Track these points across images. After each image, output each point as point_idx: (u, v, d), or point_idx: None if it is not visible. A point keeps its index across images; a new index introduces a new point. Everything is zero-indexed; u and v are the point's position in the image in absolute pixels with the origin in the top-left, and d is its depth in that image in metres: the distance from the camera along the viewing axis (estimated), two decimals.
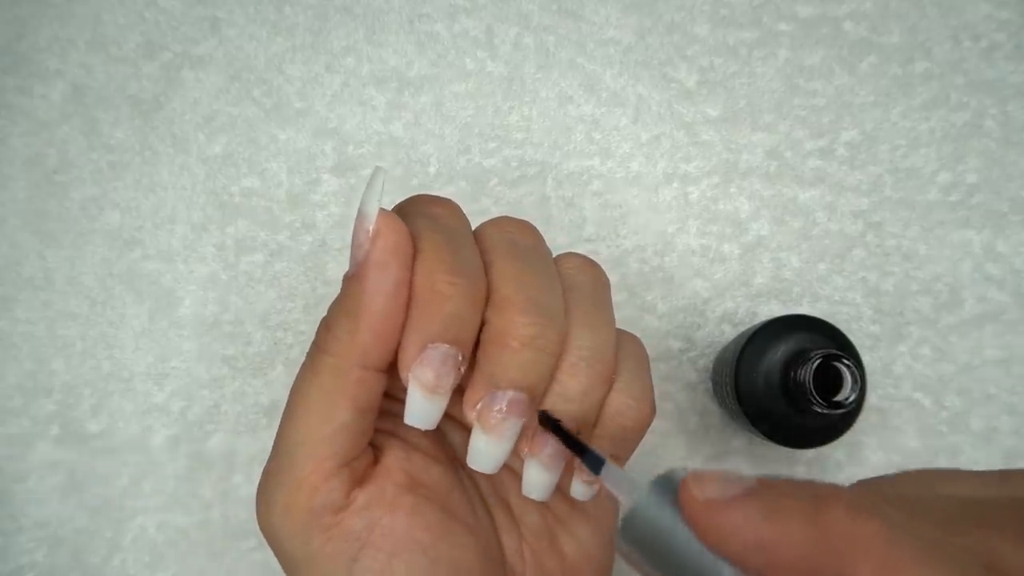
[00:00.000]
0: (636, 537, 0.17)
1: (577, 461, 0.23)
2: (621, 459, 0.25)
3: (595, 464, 0.20)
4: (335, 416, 0.22)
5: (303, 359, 0.23)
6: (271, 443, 0.39)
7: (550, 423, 0.22)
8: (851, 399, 0.30)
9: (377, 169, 0.22)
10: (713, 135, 0.41)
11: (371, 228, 0.21)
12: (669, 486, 0.17)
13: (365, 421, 0.23)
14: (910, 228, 0.40)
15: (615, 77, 0.41)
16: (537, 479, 0.23)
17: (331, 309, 0.23)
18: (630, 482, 0.19)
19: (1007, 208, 0.40)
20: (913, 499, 0.16)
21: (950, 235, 0.40)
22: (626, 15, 0.42)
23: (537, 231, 0.25)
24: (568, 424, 0.22)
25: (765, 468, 0.38)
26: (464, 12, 0.42)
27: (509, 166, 0.41)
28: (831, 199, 0.40)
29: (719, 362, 0.38)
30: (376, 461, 0.24)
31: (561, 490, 0.25)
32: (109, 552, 0.38)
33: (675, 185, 0.40)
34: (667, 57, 0.41)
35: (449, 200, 0.25)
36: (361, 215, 0.22)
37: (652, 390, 0.25)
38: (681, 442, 0.38)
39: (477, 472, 0.26)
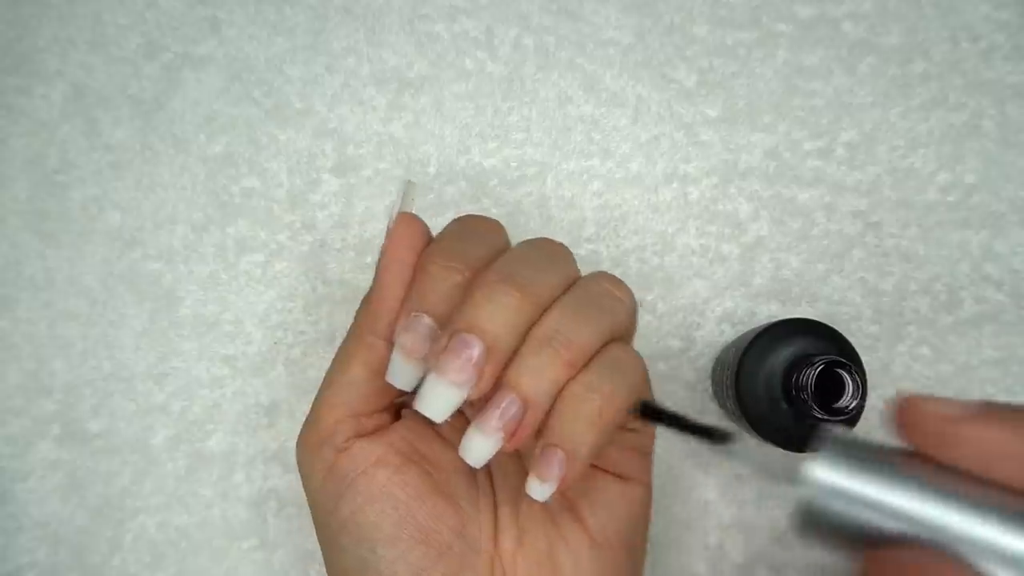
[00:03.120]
0: (824, 512, 0.16)
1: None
2: (573, 456, 0.24)
3: (724, 439, 0.19)
4: (349, 372, 0.26)
5: (304, 359, 0.26)
6: (271, 443, 0.39)
7: (652, 412, 0.21)
8: (852, 407, 0.30)
9: (408, 183, 0.27)
10: (712, 135, 0.41)
11: (392, 219, 0.26)
12: (838, 448, 0.16)
13: (376, 384, 0.26)
14: (909, 228, 0.40)
15: (615, 77, 0.42)
16: (472, 444, 0.24)
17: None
18: (774, 453, 0.18)
19: (1006, 208, 0.40)
20: None
21: (949, 235, 0.40)
22: (626, 15, 0.42)
23: (564, 247, 0.27)
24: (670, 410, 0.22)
25: None
26: (464, 12, 0.42)
27: (509, 166, 0.41)
28: (830, 199, 0.40)
29: (719, 363, 0.38)
30: (389, 426, 0.27)
31: (574, 512, 0.27)
32: (109, 552, 0.38)
33: (675, 185, 0.41)
34: (667, 58, 0.42)
35: (491, 219, 0.28)
36: (390, 219, 0.26)
37: (625, 399, 0.24)
38: (680, 441, 0.38)
39: (499, 474, 0.28)
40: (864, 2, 0.41)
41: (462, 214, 0.28)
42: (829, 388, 0.31)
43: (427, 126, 0.41)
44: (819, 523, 0.16)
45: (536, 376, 0.23)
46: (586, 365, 0.24)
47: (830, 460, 0.16)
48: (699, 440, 0.20)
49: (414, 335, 0.24)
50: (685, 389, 0.39)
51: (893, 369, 0.39)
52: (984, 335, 0.39)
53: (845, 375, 0.30)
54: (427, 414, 0.23)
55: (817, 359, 0.30)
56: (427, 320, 0.24)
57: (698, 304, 0.40)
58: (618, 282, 0.26)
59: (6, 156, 0.42)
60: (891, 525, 0.15)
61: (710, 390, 0.39)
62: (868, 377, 0.32)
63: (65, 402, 0.40)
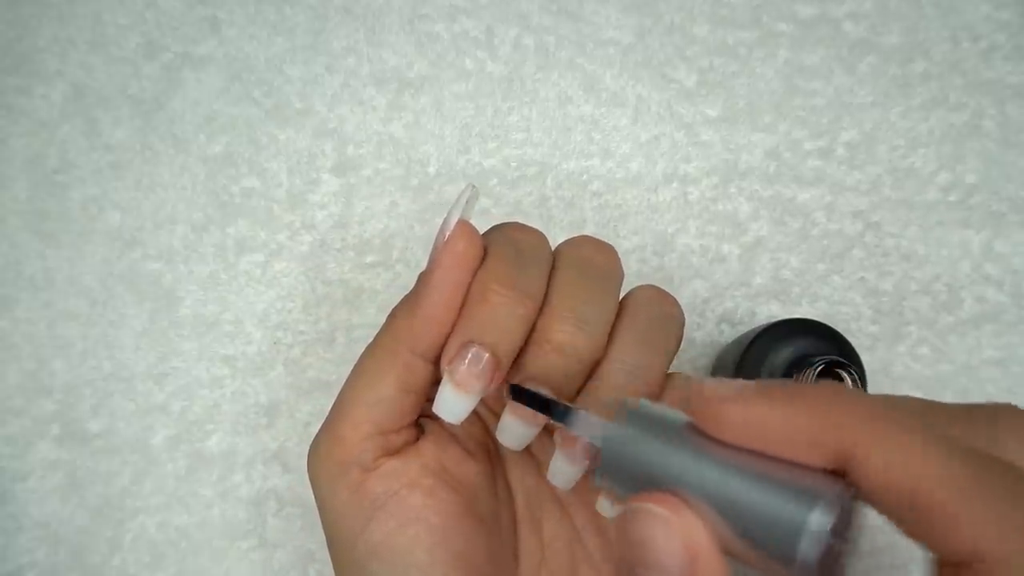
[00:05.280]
0: (612, 463, 0.19)
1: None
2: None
3: (564, 415, 0.21)
4: (380, 389, 0.25)
5: (303, 359, 0.24)
6: (271, 443, 0.39)
7: (515, 391, 0.23)
8: None
9: (470, 186, 0.25)
10: (712, 135, 0.41)
11: (447, 233, 0.24)
12: (633, 414, 0.20)
13: (407, 401, 0.25)
14: (909, 228, 0.40)
15: (615, 77, 0.41)
16: (563, 470, 0.24)
17: (402, 300, 0.26)
18: (599, 420, 0.21)
19: (1006, 208, 0.40)
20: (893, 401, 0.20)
21: (949, 235, 0.40)
22: (626, 15, 0.42)
23: (613, 253, 0.27)
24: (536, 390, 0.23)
25: None
26: (464, 12, 0.42)
27: (509, 166, 0.41)
28: (830, 199, 0.40)
29: (719, 363, 0.38)
30: (416, 441, 0.26)
31: (595, 526, 0.26)
32: (109, 552, 0.38)
33: (675, 185, 0.41)
34: (667, 57, 0.41)
35: (535, 229, 0.27)
36: (445, 222, 0.24)
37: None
38: None
39: (518, 487, 0.27)
40: (865, 2, 0.41)
41: (505, 223, 0.27)
42: None
43: (427, 126, 0.41)
44: (608, 472, 0.20)
45: None
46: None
47: (626, 425, 0.19)
48: (548, 415, 0.22)
49: (471, 370, 0.23)
50: None
51: (893, 369, 0.39)
52: (984, 335, 0.39)
53: (845, 375, 0.30)
54: (506, 444, 0.24)
55: (817, 359, 0.30)
56: (487, 356, 0.23)
57: (698, 304, 0.40)
58: (670, 299, 0.27)
59: (6, 156, 0.42)
60: (660, 476, 0.18)
61: None
62: (868, 377, 0.32)
63: (65, 402, 0.40)
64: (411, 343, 0.24)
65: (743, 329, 0.39)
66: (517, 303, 0.24)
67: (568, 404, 0.22)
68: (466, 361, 0.23)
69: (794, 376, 0.32)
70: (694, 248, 0.40)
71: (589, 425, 0.21)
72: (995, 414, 0.19)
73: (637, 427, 0.19)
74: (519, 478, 0.28)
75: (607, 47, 0.42)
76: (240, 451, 0.39)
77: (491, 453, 0.28)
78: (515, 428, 0.24)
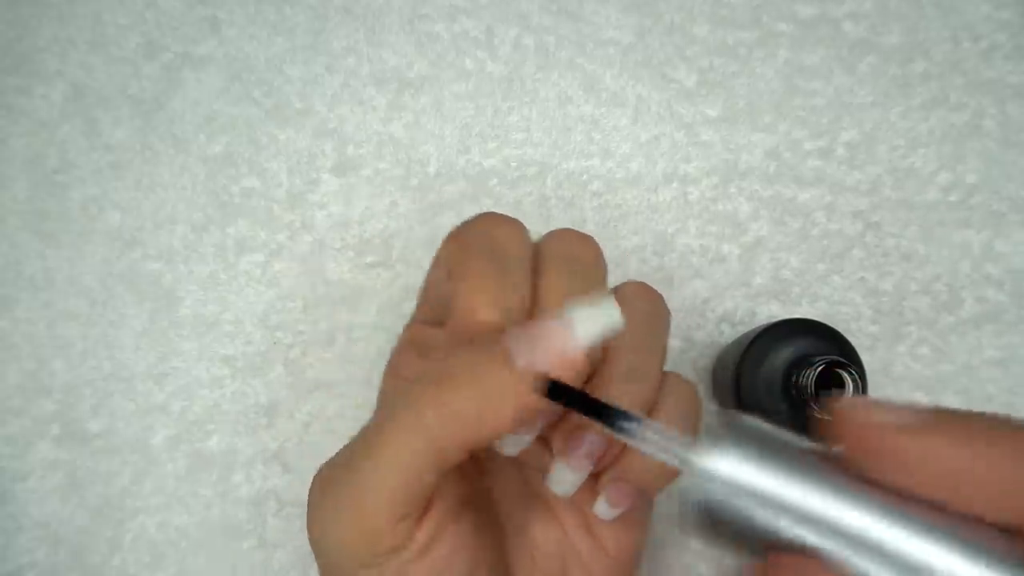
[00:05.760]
0: (714, 503, 0.14)
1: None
2: (652, 489, 0.24)
3: (629, 424, 0.17)
4: (421, 477, 0.21)
5: (303, 359, 0.22)
6: (271, 443, 0.39)
7: (561, 391, 0.19)
8: None
9: (613, 311, 0.20)
10: (712, 135, 0.41)
11: (567, 350, 0.20)
12: (740, 434, 0.14)
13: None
14: (909, 228, 0.40)
15: (615, 77, 0.41)
16: (565, 477, 0.23)
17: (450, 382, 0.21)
18: (682, 439, 0.16)
19: (1006, 208, 0.40)
20: None
21: (949, 235, 0.40)
22: (626, 15, 0.42)
23: (596, 247, 0.26)
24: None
25: None
26: (464, 12, 0.42)
27: (509, 166, 0.41)
28: (830, 199, 0.40)
29: (719, 363, 0.38)
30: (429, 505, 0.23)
31: (587, 528, 0.26)
32: (109, 552, 0.38)
33: (674, 185, 0.41)
34: (667, 57, 0.41)
35: (514, 221, 0.25)
36: (572, 331, 0.20)
37: (692, 430, 0.24)
38: None
39: (503, 496, 0.27)
40: (865, 2, 0.41)
41: (481, 218, 0.25)
42: (829, 388, 0.31)
43: (427, 126, 0.41)
44: (713, 520, 0.15)
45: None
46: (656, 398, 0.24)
47: (734, 452, 0.14)
48: (601, 422, 0.18)
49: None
50: None
51: (893, 369, 0.39)
52: (985, 335, 0.39)
53: (845, 375, 0.30)
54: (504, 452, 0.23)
55: (817, 359, 0.30)
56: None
57: (698, 304, 0.40)
58: (657, 294, 0.26)
59: (6, 156, 0.42)
60: (789, 530, 0.14)
61: (710, 390, 0.39)
62: (868, 377, 0.32)
63: (65, 402, 0.40)
64: (453, 441, 0.21)
65: (743, 329, 0.39)
66: (510, 313, 0.22)
67: (632, 412, 0.18)
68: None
69: (793, 376, 0.32)
70: (694, 248, 0.40)
71: (667, 442, 0.16)
72: None
73: (751, 452, 0.14)
74: (503, 488, 0.27)
75: (607, 47, 0.42)
76: (240, 451, 0.39)
77: (478, 474, 0.27)
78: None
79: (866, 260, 0.40)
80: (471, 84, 0.42)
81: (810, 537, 0.13)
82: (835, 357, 0.30)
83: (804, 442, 0.15)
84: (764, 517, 0.14)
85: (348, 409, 0.39)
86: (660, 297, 0.26)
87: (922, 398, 0.38)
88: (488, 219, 0.25)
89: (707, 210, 0.40)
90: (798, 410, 0.32)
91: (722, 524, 0.14)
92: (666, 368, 0.39)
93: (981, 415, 0.14)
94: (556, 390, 0.19)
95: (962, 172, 0.40)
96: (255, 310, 0.40)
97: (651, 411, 0.24)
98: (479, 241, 0.24)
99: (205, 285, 0.40)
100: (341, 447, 0.23)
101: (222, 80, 0.42)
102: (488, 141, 0.41)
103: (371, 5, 0.42)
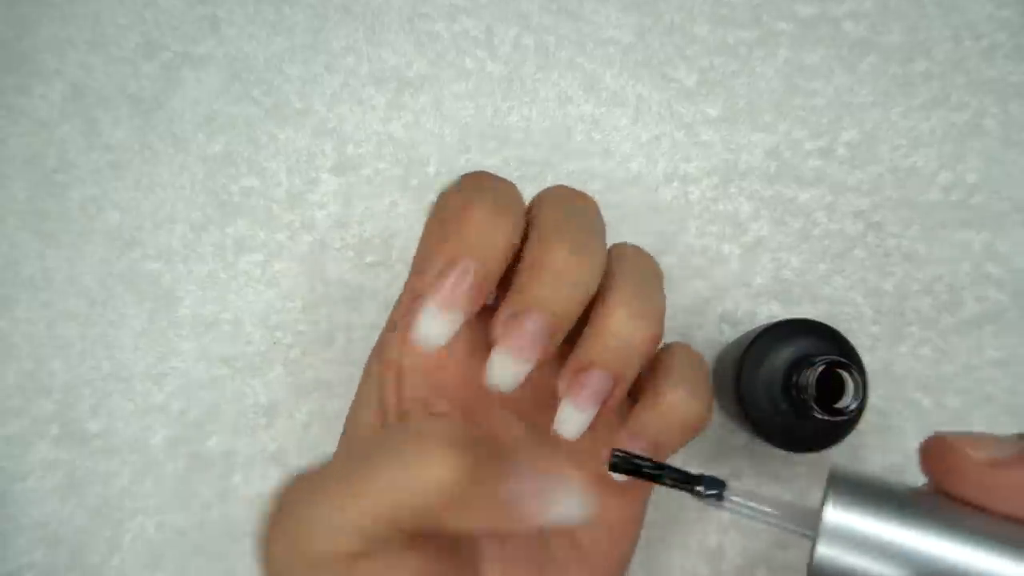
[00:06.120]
0: (839, 568, 0.14)
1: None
2: (665, 448, 0.24)
3: (717, 488, 0.17)
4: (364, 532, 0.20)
5: (303, 359, 0.22)
6: (270, 443, 0.39)
7: (619, 461, 0.19)
8: (852, 407, 0.30)
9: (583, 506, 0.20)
10: (713, 135, 0.41)
11: (555, 515, 0.19)
12: (846, 490, 0.15)
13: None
14: (910, 228, 0.40)
15: (615, 77, 0.41)
16: (571, 417, 0.23)
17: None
18: (779, 502, 0.16)
19: (1008, 208, 0.40)
20: None
21: (950, 235, 0.40)
22: (626, 15, 0.42)
23: (592, 200, 0.25)
24: (647, 455, 0.20)
25: (765, 467, 0.38)
26: (464, 12, 0.42)
27: (509, 166, 0.41)
28: (831, 199, 0.40)
29: (719, 363, 0.38)
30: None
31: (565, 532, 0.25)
32: (108, 552, 0.38)
33: (675, 185, 0.40)
34: (667, 57, 0.41)
35: (505, 180, 0.24)
36: (564, 507, 0.20)
37: (707, 396, 0.24)
38: None
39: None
40: (865, 1, 0.41)
41: (475, 176, 0.24)
42: (830, 388, 0.30)
43: (427, 126, 0.41)
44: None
45: (619, 348, 0.22)
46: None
47: (843, 506, 0.14)
48: (685, 491, 0.18)
49: (455, 283, 0.21)
50: None
51: (894, 369, 0.39)
52: (986, 335, 0.39)
53: (846, 376, 0.30)
54: (498, 385, 0.22)
55: (818, 359, 0.30)
56: (468, 264, 0.21)
57: (698, 304, 0.40)
58: (652, 258, 0.26)
59: (5, 156, 0.42)
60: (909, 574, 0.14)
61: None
62: (869, 378, 0.32)
63: (64, 402, 0.39)
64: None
65: (743, 329, 0.39)
66: (498, 226, 0.22)
67: (716, 477, 0.17)
68: (453, 276, 0.21)
69: (794, 377, 0.32)
70: (694, 248, 0.40)
71: (769, 508, 0.16)
72: None
73: (860, 510, 0.14)
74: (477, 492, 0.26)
75: (607, 47, 0.42)
76: (239, 451, 0.39)
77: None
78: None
79: (867, 260, 0.40)
80: (471, 84, 0.42)
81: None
82: (835, 357, 0.30)
83: (900, 486, 0.15)
84: (878, 565, 0.14)
85: (348, 409, 0.39)
86: (655, 261, 0.26)
87: (923, 398, 0.38)
88: (481, 176, 0.25)
89: (707, 210, 0.40)
90: (799, 410, 0.32)
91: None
92: None
93: None
94: (624, 463, 0.19)
95: (963, 172, 0.40)
96: (255, 310, 0.40)
97: (652, 368, 0.23)
98: (476, 191, 0.23)
99: (204, 285, 0.40)
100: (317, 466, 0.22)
101: (221, 79, 0.42)
102: (488, 141, 0.41)
103: (371, 4, 0.42)
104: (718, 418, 0.39)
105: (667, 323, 0.39)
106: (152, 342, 0.40)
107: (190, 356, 0.40)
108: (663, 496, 0.25)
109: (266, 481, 0.39)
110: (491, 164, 0.41)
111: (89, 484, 0.39)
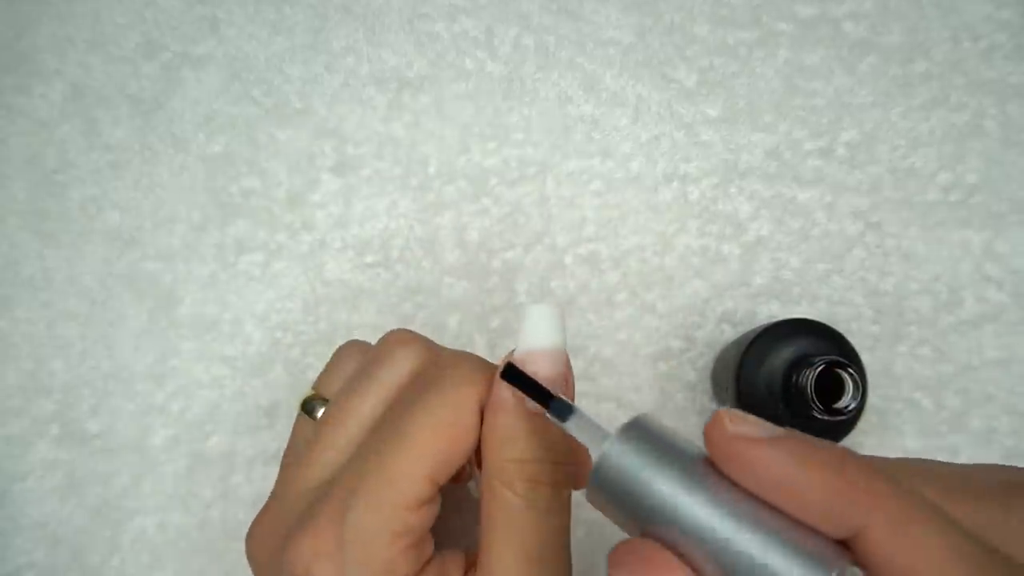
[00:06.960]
0: (608, 483, 0.18)
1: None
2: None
3: (563, 412, 0.20)
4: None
5: (303, 359, 0.22)
6: (270, 443, 0.39)
7: (509, 372, 0.22)
8: (851, 407, 0.30)
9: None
10: (713, 135, 0.41)
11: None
12: (639, 432, 0.18)
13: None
14: (910, 228, 0.40)
15: (615, 77, 0.41)
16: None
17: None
18: (600, 429, 0.19)
19: (1007, 208, 0.40)
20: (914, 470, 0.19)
21: (950, 235, 0.40)
22: (626, 15, 0.42)
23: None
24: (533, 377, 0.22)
25: None
26: (464, 12, 0.42)
27: (509, 166, 0.41)
28: (831, 199, 0.40)
29: (719, 363, 0.38)
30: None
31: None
32: (108, 552, 0.38)
33: (675, 185, 0.40)
34: (667, 57, 0.41)
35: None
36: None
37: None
38: None
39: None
40: (865, 1, 0.41)
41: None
42: (829, 388, 0.31)
43: (427, 126, 0.41)
44: (605, 496, 0.18)
45: None
46: None
47: (628, 443, 0.18)
48: (542, 406, 0.21)
49: None
50: (685, 389, 0.39)
51: (894, 369, 0.39)
52: (985, 335, 0.39)
53: (845, 375, 0.30)
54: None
55: (817, 359, 0.30)
56: None
57: (698, 304, 0.40)
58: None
59: (5, 156, 0.41)
60: (657, 514, 0.17)
61: (710, 390, 0.39)
62: (868, 377, 0.32)
63: (64, 402, 0.39)
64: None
65: (743, 329, 0.39)
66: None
67: (569, 401, 0.21)
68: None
69: (793, 376, 0.32)
70: (694, 248, 0.40)
71: (589, 429, 0.20)
72: (1007, 495, 0.19)
73: (644, 447, 0.18)
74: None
75: (607, 47, 0.42)
76: (240, 451, 0.39)
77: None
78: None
79: (866, 260, 0.40)
80: (471, 84, 0.42)
81: (671, 528, 0.17)
82: (835, 357, 0.30)
83: (693, 446, 0.18)
84: (642, 504, 0.17)
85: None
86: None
87: (922, 398, 0.38)
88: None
89: (707, 210, 0.40)
90: (798, 410, 0.32)
91: (610, 503, 0.18)
92: (666, 369, 0.39)
93: (816, 438, 0.17)
94: (511, 374, 0.22)
95: (962, 172, 0.40)
96: (255, 310, 0.40)
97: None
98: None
99: (205, 285, 0.40)
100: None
101: (221, 79, 0.42)
102: (488, 141, 0.41)
103: (371, 4, 0.42)
104: None
105: (667, 323, 0.39)
106: (152, 342, 0.40)
107: (190, 356, 0.40)
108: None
109: (266, 481, 0.39)
110: (491, 164, 0.41)
111: (89, 484, 0.39)
